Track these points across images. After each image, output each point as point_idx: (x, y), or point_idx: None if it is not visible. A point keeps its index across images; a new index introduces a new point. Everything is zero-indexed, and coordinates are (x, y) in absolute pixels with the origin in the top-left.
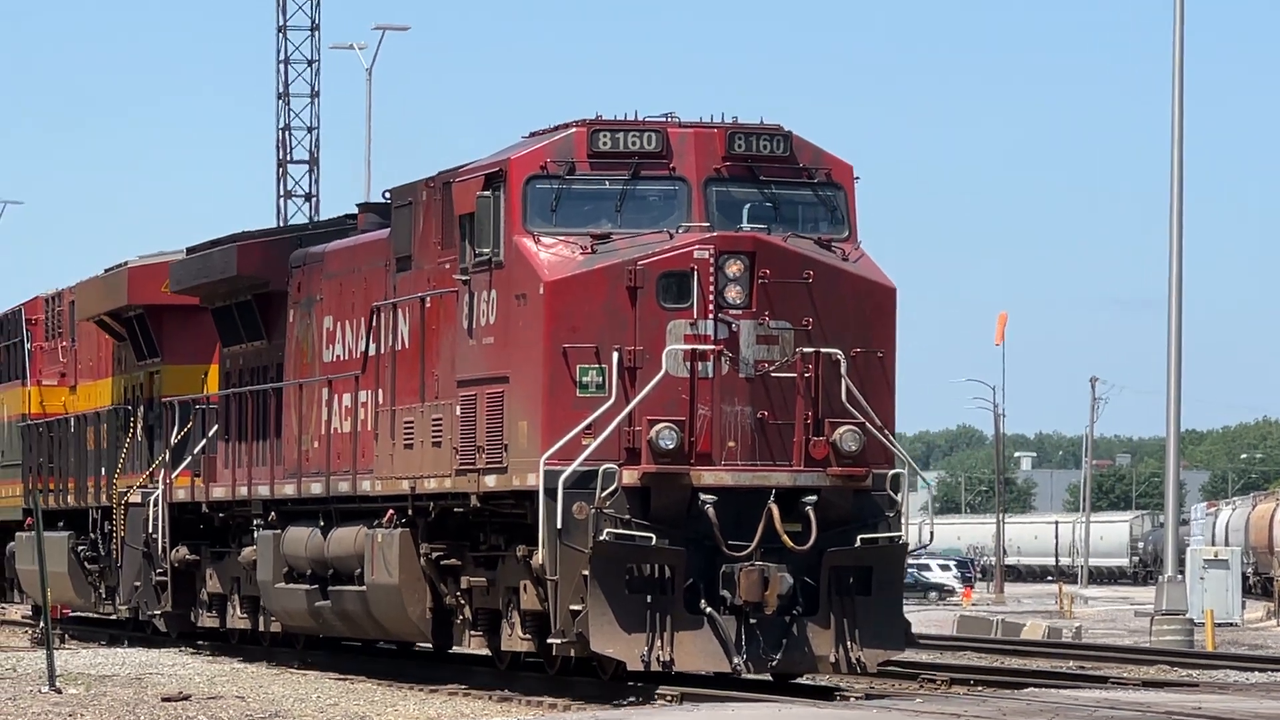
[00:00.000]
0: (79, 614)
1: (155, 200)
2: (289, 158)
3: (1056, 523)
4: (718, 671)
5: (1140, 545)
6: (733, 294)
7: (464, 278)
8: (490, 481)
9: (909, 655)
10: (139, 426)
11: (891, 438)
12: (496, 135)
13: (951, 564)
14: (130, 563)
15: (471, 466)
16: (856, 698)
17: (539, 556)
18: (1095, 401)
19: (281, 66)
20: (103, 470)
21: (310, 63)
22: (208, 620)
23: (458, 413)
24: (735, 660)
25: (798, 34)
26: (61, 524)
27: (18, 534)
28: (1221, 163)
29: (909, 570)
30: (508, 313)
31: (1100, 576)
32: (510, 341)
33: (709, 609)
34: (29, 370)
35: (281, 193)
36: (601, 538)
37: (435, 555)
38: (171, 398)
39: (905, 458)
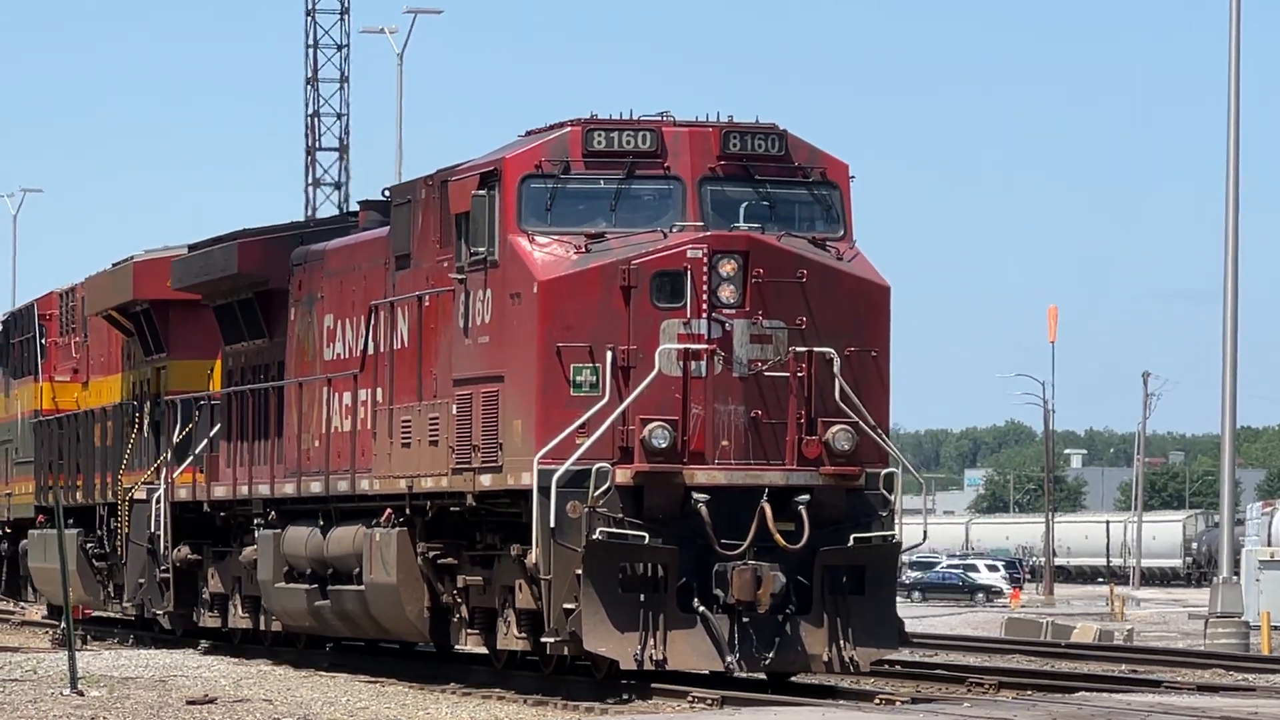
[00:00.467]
0: (97, 614)
1: (182, 190)
2: (318, 144)
3: (1108, 522)
4: (712, 671)
5: (1194, 546)
6: (726, 293)
7: (460, 276)
8: (486, 481)
9: (955, 658)
10: (145, 423)
11: (885, 436)
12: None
13: (999, 565)
14: (135, 560)
15: (467, 465)
16: (903, 701)
17: (533, 555)
18: (1148, 397)
19: (310, 51)
20: (109, 467)
21: (340, 47)
22: (210, 620)
23: (454, 412)
24: (728, 659)
25: (827, 29)
26: (71, 521)
27: (30, 532)
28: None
29: (955, 571)
30: (503, 312)
31: (1152, 578)
32: (505, 341)
33: (702, 608)
34: (41, 366)
35: (310, 180)
36: (594, 537)
37: (432, 554)
38: (174, 395)
39: (899, 457)
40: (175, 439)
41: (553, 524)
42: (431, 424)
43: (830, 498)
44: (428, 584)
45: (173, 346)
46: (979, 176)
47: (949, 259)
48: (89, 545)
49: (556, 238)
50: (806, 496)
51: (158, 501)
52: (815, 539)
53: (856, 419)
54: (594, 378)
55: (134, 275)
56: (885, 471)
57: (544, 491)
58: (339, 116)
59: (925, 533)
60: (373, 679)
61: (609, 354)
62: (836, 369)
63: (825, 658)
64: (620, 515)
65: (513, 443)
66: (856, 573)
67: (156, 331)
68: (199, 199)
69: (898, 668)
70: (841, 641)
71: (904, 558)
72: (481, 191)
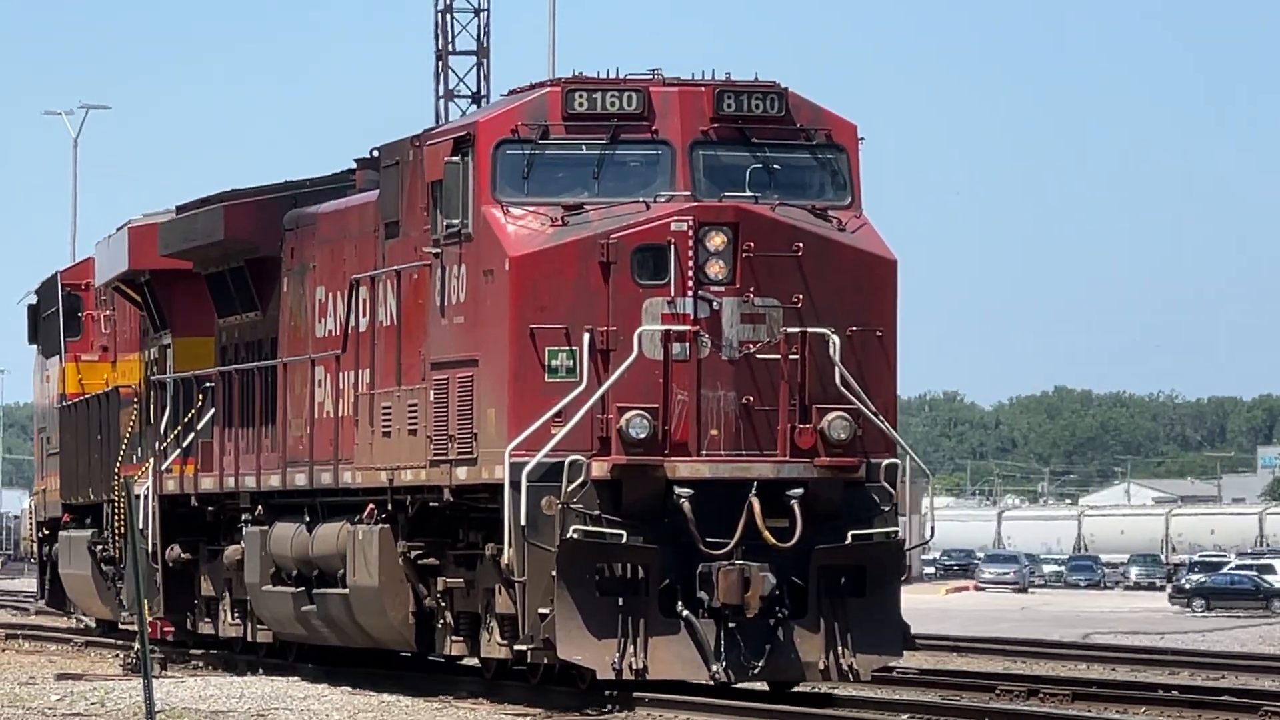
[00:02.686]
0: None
1: (288, 109)
2: (451, 47)
3: None
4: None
5: None
6: (714, 269)
7: (435, 250)
8: (461, 474)
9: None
10: (152, 409)
11: (890, 424)
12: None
13: None
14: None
15: (444, 457)
16: None
17: (505, 555)
18: None
19: None
20: (111, 459)
21: None
22: (205, 627)
23: (431, 398)
24: (714, 667)
25: None
26: (89, 519)
27: (60, 534)
28: None
29: (1247, 573)
30: (477, 290)
31: None
32: (479, 321)
33: (686, 612)
34: (66, 344)
35: (441, 92)
36: (568, 535)
37: (414, 554)
38: (162, 376)
39: (904, 447)
40: (163, 426)
41: (523, 521)
42: (411, 411)
43: (826, 491)
44: (411, 586)
45: (176, 322)
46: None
47: None
48: (97, 547)
49: (532, 209)
50: (800, 490)
51: (146, 496)
52: (810, 536)
53: (857, 405)
54: (570, 362)
55: (129, 242)
56: (887, 462)
57: (516, 486)
58: (477, 13)
59: (933, 529)
60: (521, 711)
61: (586, 336)
62: (835, 351)
63: (821, 665)
64: (596, 512)
65: (487, 433)
66: (856, 573)
67: (160, 305)
68: (309, 118)
69: None
70: (840, 648)
71: (1182, 557)
72: (455, 158)
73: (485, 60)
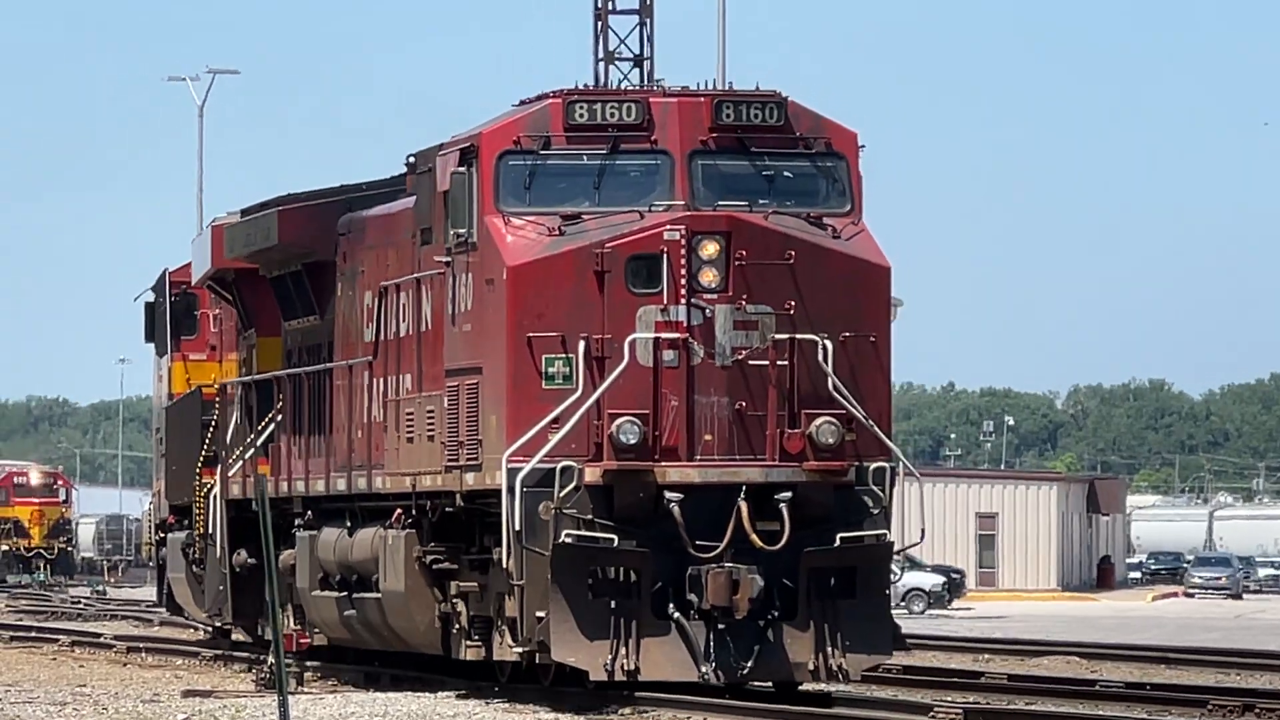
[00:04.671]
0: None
1: (434, 73)
2: (611, 6)
3: None
4: (701, 679)
5: None
6: (707, 277)
7: (447, 259)
8: (470, 479)
9: None
10: (239, 409)
11: (882, 429)
12: None
13: None
14: (212, 566)
15: (456, 463)
16: None
17: (504, 559)
18: None
19: None
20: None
21: None
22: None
23: (445, 404)
24: (703, 668)
25: None
26: (186, 521)
27: (168, 536)
28: None
29: None
30: (481, 299)
31: None
32: (483, 330)
33: (677, 614)
34: (173, 343)
35: (601, 53)
36: (561, 539)
37: (430, 559)
38: (226, 379)
39: (896, 451)
40: (230, 429)
41: (518, 526)
42: (429, 417)
43: (815, 495)
44: (433, 591)
45: (259, 321)
46: None
47: None
48: (189, 549)
49: (532, 219)
50: (788, 494)
51: (214, 500)
52: (799, 539)
53: (846, 410)
54: (567, 369)
55: (211, 241)
56: (874, 466)
57: (512, 491)
58: None
59: (923, 532)
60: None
61: (582, 344)
62: (825, 356)
63: (811, 666)
64: (590, 517)
65: (490, 439)
66: (846, 575)
67: (246, 304)
68: (458, 82)
69: None
70: (829, 648)
71: None
72: (461, 169)
73: (649, 20)
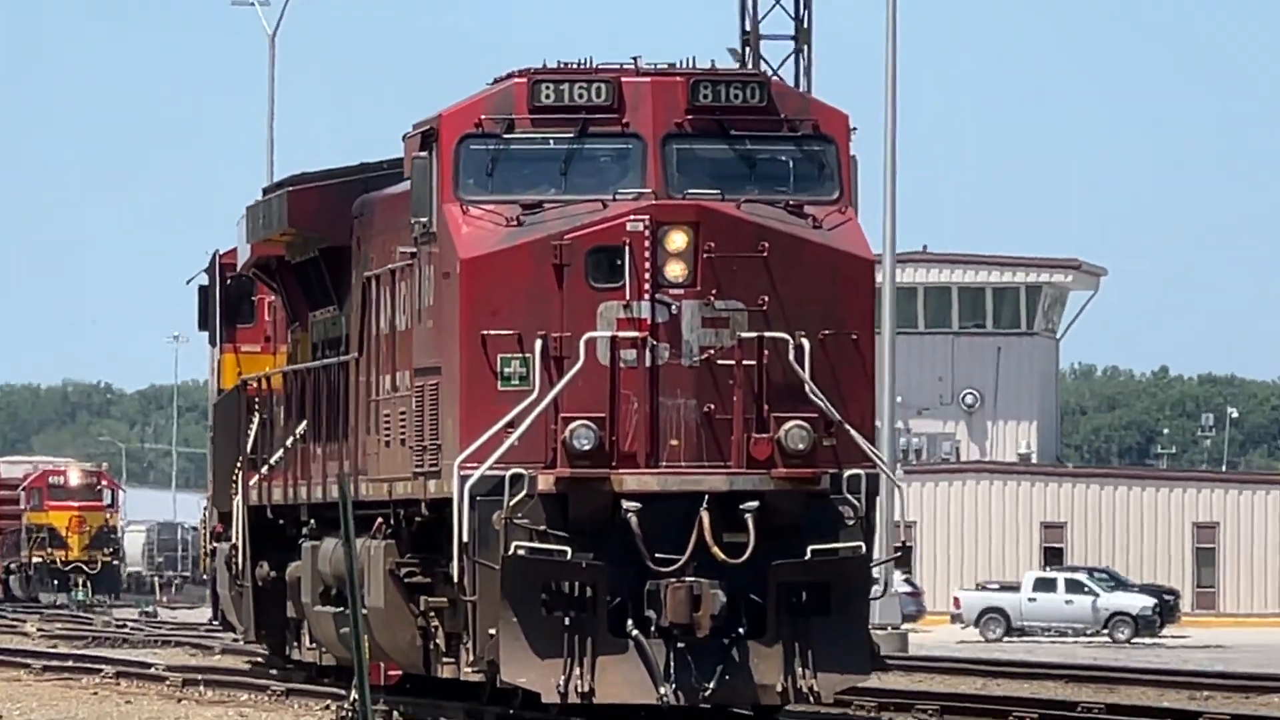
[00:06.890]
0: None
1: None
2: (757, 29)
3: None
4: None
5: None
6: (674, 271)
7: (413, 250)
8: (431, 487)
9: None
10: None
11: (864, 433)
12: None
13: None
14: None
15: (421, 469)
16: None
17: (455, 573)
18: None
19: None
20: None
21: None
22: (295, 651)
23: (414, 406)
24: (662, 690)
25: None
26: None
27: (217, 546)
28: None
29: None
30: (439, 293)
31: None
32: (441, 326)
33: (635, 631)
34: (224, 333)
35: (747, 28)
36: (511, 551)
37: (405, 572)
38: (248, 375)
39: (876, 456)
40: (252, 432)
41: (466, 538)
42: (401, 420)
43: (784, 504)
44: (410, 605)
45: (298, 313)
46: None
47: None
48: (230, 562)
49: (491, 208)
50: (755, 504)
51: (235, 507)
52: (768, 552)
53: (819, 413)
54: (524, 369)
55: (247, 226)
56: (849, 473)
57: (463, 500)
58: None
59: (904, 544)
60: None
61: (539, 342)
62: (803, 356)
63: (779, 687)
64: (543, 528)
65: (447, 443)
66: (819, 590)
67: (290, 293)
68: (578, 39)
69: None
70: (799, 669)
71: None
72: (422, 154)
73: (807, 47)
